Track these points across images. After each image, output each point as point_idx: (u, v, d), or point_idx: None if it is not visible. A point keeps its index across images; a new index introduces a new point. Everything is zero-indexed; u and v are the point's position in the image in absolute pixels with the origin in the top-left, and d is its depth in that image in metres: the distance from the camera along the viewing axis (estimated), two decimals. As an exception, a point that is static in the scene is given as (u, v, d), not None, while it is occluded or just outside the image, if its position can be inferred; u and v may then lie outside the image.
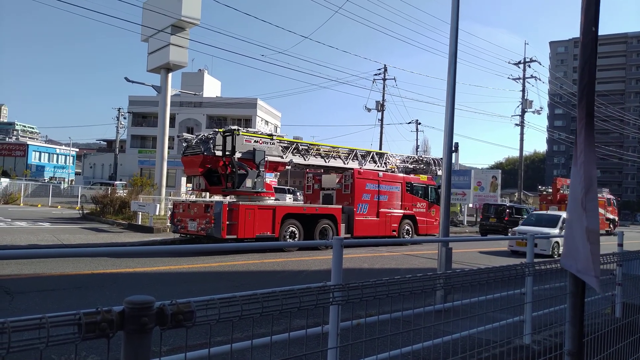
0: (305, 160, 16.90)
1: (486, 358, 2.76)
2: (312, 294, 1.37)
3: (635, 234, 36.28)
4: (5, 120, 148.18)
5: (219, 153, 14.39)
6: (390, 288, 1.52)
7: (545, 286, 4.36)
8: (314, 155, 17.22)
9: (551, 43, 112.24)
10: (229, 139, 14.33)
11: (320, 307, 1.40)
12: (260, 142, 15.26)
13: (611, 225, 33.37)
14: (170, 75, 27.04)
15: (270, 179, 30.16)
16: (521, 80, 40.39)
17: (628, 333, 3.25)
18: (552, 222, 17.99)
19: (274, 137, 15.98)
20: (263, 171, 14.99)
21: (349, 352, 3.27)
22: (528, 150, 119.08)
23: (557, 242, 16.74)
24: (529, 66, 40.47)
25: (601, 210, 31.59)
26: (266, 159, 15.12)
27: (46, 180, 52.93)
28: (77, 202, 31.17)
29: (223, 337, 5.00)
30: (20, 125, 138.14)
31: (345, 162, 18.17)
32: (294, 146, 16.56)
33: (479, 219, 30.98)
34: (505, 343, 4.07)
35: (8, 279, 8.29)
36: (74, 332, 0.97)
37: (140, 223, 19.35)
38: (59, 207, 30.96)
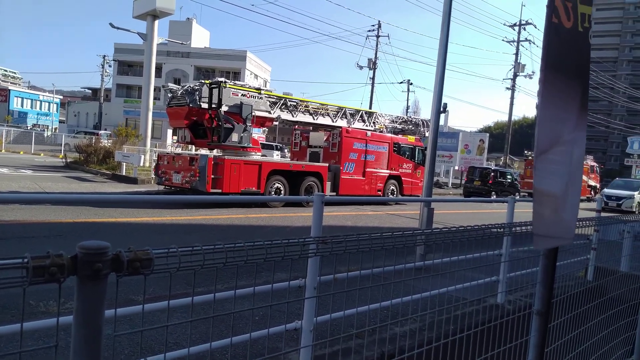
0: (293, 116, 16.70)
1: (457, 315, 2.81)
2: (280, 247, 1.34)
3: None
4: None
5: (204, 105, 14.12)
6: (357, 243, 1.50)
7: (524, 248, 4.43)
8: (303, 112, 17.02)
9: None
10: (215, 91, 14.02)
11: (288, 259, 1.37)
12: (248, 95, 14.99)
13: (592, 192, 33.99)
14: (156, 22, 26.20)
15: (258, 134, 29.87)
16: (515, 43, 39.91)
17: (597, 295, 3.33)
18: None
19: (262, 92, 15.70)
20: (250, 126, 14.80)
21: (331, 305, 3.31)
22: (517, 115, 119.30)
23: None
24: (524, 29, 39.93)
25: (584, 177, 32.08)
26: (253, 113, 14.89)
27: (29, 127, 51.89)
28: (61, 150, 30.69)
29: (203, 288, 5.05)
30: (1, 69, 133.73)
31: (334, 120, 18.02)
32: (282, 102, 16.32)
33: (463, 182, 31.28)
34: (478, 301, 4.17)
35: (-13, 225, 8.21)
36: (22, 275, 0.93)
37: (124, 174, 19.21)
38: (42, 154, 30.50)
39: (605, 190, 27.49)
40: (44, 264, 0.94)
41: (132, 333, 2.21)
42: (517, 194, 26.77)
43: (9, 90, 71.60)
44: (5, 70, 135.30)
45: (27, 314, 3.89)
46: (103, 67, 54.68)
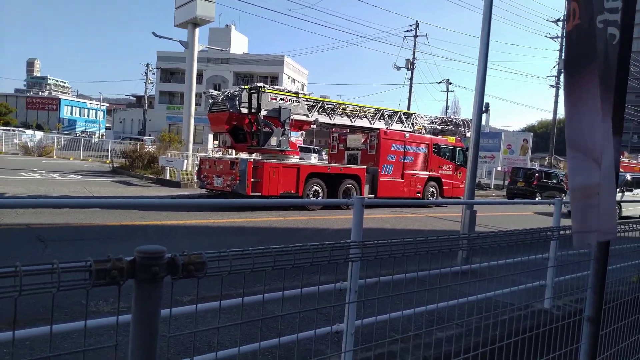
0: (330, 119, 16.74)
1: (503, 320, 2.75)
2: (326, 251, 1.36)
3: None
4: (39, 75, 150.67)
5: (244, 110, 14.37)
6: (402, 247, 1.50)
7: (571, 252, 4.27)
8: (340, 115, 17.03)
9: None
10: (254, 96, 14.26)
11: (333, 263, 1.39)
12: (286, 100, 15.14)
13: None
14: (197, 30, 26.88)
15: (296, 137, 30.10)
16: (559, 39, 38.59)
17: (653, 302, 3.18)
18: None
19: (300, 96, 15.83)
20: (288, 129, 14.94)
21: (376, 307, 3.30)
22: (562, 113, 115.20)
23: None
24: (569, 24, 38.53)
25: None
26: (292, 117, 15.03)
27: (78, 134, 54.27)
28: (108, 156, 31.94)
29: (247, 289, 5.13)
30: (52, 79, 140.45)
31: (372, 122, 17.93)
32: (319, 105, 16.38)
33: (506, 183, 30.46)
34: (525, 306, 4.06)
35: (42, 228, 8.64)
36: (85, 278, 0.99)
37: (168, 178, 19.78)
38: (90, 160, 31.81)
39: None
40: (106, 268, 0.99)
41: (180, 334, 2.28)
42: (563, 195, 25.82)
43: (60, 99, 75.18)
44: (56, 81, 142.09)
45: (80, 313, 4.06)
46: (146, 75, 56.52)
